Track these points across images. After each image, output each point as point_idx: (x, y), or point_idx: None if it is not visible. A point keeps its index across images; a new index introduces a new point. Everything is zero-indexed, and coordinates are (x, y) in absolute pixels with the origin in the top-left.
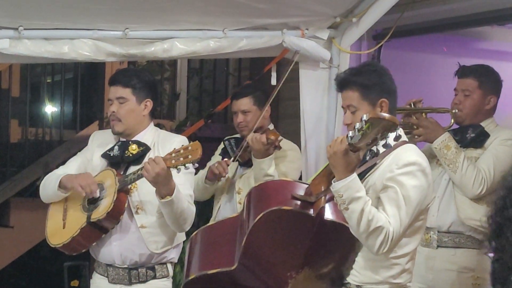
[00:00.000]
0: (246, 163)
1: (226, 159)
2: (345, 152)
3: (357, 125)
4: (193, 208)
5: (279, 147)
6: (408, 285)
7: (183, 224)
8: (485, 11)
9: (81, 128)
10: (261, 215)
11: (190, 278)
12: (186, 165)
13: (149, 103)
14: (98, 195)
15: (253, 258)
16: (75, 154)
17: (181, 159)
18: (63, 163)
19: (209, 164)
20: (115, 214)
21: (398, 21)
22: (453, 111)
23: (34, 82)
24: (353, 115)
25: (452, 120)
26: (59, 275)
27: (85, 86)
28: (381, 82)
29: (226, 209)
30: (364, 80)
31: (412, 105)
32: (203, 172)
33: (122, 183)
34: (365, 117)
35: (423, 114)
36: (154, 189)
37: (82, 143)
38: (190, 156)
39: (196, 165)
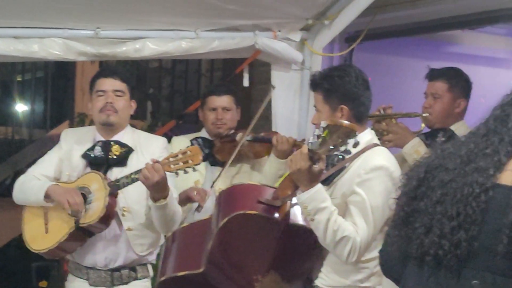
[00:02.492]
0: (218, 163)
1: (205, 190)
2: (309, 168)
3: (316, 132)
4: (181, 210)
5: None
6: (377, 287)
7: (171, 227)
8: (456, 15)
9: (51, 127)
10: (226, 219)
11: (161, 279)
12: (186, 169)
13: (134, 104)
14: (81, 216)
15: (219, 261)
16: (45, 153)
17: (181, 163)
18: (33, 162)
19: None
20: (107, 219)
21: (370, 24)
22: (423, 115)
23: (4, 80)
24: (318, 116)
25: (423, 124)
26: (27, 276)
27: (56, 85)
28: (345, 88)
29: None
30: (328, 84)
31: (382, 111)
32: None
33: (114, 187)
34: (323, 124)
35: (393, 119)
36: (140, 192)
37: (52, 142)
38: (190, 161)
39: (196, 169)
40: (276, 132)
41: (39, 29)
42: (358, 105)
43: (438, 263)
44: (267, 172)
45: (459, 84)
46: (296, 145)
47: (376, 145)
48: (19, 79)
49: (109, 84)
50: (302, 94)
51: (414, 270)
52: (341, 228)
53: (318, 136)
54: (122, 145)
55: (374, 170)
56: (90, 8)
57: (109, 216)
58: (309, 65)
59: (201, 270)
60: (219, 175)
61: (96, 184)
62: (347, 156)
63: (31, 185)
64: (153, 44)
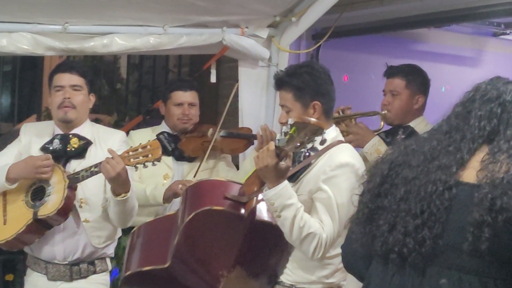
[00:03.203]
0: (185, 158)
1: (190, 180)
2: (276, 165)
3: (284, 129)
4: (136, 203)
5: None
6: (342, 283)
7: (129, 220)
8: (422, 13)
9: (18, 121)
10: (192, 214)
11: (126, 274)
12: (146, 163)
13: (93, 97)
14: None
15: (185, 256)
16: None
17: (141, 157)
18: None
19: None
20: (65, 211)
21: (337, 21)
22: (382, 112)
23: None
24: (287, 114)
25: (382, 122)
26: None
27: (24, 78)
28: (316, 84)
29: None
30: (298, 82)
31: (341, 112)
32: (151, 188)
33: (73, 180)
34: (290, 121)
35: (352, 120)
36: (98, 184)
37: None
38: (150, 155)
39: (156, 163)
40: (248, 128)
41: (8, 23)
42: (329, 100)
43: (403, 261)
44: (248, 168)
45: (417, 80)
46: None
47: (341, 142)
48: None
49: (67, 79)
50: (268, 90)
51: (378, 267)
52: (307, 225)
53: (286, 133)
54: (80, 138)
55: (340, 167)
56: (58, 3)
57: (67, 208)
58: (276, 62)
59: (166, 265)
60: (198, 168)
61: (56, 177)
62: (313, 153)
63: None
64: (121, 39)
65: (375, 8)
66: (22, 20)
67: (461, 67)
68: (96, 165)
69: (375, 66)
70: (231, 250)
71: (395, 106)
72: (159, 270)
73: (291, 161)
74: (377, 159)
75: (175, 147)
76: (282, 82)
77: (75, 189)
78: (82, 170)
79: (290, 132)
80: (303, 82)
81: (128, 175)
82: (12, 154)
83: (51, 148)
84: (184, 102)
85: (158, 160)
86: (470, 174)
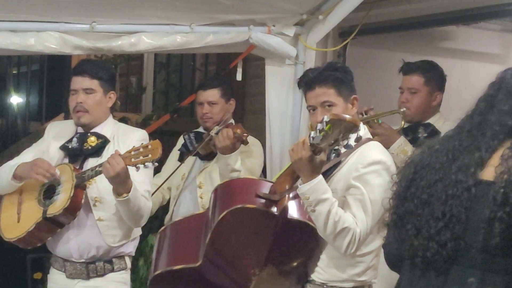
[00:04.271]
0: (206, 157)
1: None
2: (310, 158)
3: (319, 126)
4: (149, 204)
5: (246, 142)
6: (373, 281)
7: (139, 220)
8: (451, 10)
9: (46, 120)
10: (225, 212)
11: (156, 273)
12: (146, 163)
13: (113, 95)
14: (58, 175)
15: (217, 255)
16: None
17: (141, 157)
18: None
19: (171, 157)
20: (72, 210)
21: (365, 18)
22: (401, 110)
23: (0, 73)
24: (328, 110)
25: (403, 122)
26: (22, 268)
27: (51, 77)
28: (351, 78)
29: (186, 203)
30: (340, 75)
31: (364, 114)
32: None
33: (79, 179)
34: (326, 118)
35: (376, 120)
36: (108, 183)
37: None
38: (150, 155)
39: (156, 164)
40: (238, 125)
41: (36, 22)
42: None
43: (427, 264)
44: (220, 169)
45: (435, 77)
46: (236, 137)
47: (370, 139)
48: (14, 72)
49: (79, 82)
50: (295, 88)
51: (407, 270)
52: (341, 220)
53: (320, 130)
54: (99, 136)
55: (372, 165)
56: (86, 2)
57: (74, 207)
58: (303, 60)
59: (198, 264)
60: (201, 143)
61: (66, 175)
62: (345, 150)
63: (3, 170)
64: (148, 38)
65: (403, 5)
66: (50, 19)
67: (489, 64)
68: (100, 165)
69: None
70: (262, 249)
71: (414, 103)
72: (189, 269)
73: (325, 156)
74: (403, 162)
75: (197, 146)
76: (322, 77)
77: (84, 188)
78: (88, 169)
79: (325, 129)
80: (344, 76)
81: (129, 175)
82: (34, 152)
83: (70, 146)
84: (204, 101)
85: (158, 160)
86: (489, 172)
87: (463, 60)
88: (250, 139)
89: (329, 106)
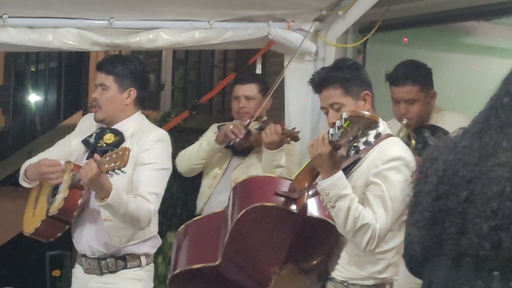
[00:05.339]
0: (242, 152)
1: (240, 122)
2: (330, 153)
3: (337, 123)
4: (148, 207)
5: (298, 138)
6: (395, 278)
7: (136, 224)
8: (471, 6)
9: (64, 118)
10: (244, 211)
11: (175, 272)
12: (116, 170)
13: (133, 92)
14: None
15: (236, 253)
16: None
17: (112, 164)
18: None
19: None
20: (67, 211)
21: (385, 14)
22: (404, 122)
23: (18, 70)
24: (338, 113)
25: (402, 133)
26: (41, 265)
27: (70, 75)
28: (360, 74)
29: (220, 199)
30: (345, 74)
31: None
32: (210, 135)
33: (73, 180)
34: (344, 115)
35: None
36: (120, 182)
37: (65, 132)
38: (118, 162)
39: (124, 171)
40: (281, 122)
41: (54, 19)
42: (372, 92)
43: (478, 264)
44: (263, 164)
45: (426, 78)
46: (284, 133)
47: (389, 135)
48: (32, 69)
49: (98, 78)
50: None
51: (442, 268)
52: (361, 216)
53: (339, 127)
54: (116, 133)
55: (392, 161)
56: None
57: (69, 208)
58: (323, 56)
59: (217, 262)
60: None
61: (66, 175)
62: (365, 147)
63: (21, 168)
64: (166, 34)
65: (423, 1)
66: (68, 16)
67: (510, 60)
68: None
69: (422, 59)
70: (282, 247)
71: (415, 112)
72: (209, 268)
73: (345, 151)
74: (424, 158)
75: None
76: (327, 79)
77: (81, 188)
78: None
79: (344, 126)
80: (350, 74)
81: (105, 181)
82: (62, 145)
83: (90, 141)
84: (241, 96)
85: (123, 166)
86: None
87: (484, 56)
88: None
89: (338, 107)
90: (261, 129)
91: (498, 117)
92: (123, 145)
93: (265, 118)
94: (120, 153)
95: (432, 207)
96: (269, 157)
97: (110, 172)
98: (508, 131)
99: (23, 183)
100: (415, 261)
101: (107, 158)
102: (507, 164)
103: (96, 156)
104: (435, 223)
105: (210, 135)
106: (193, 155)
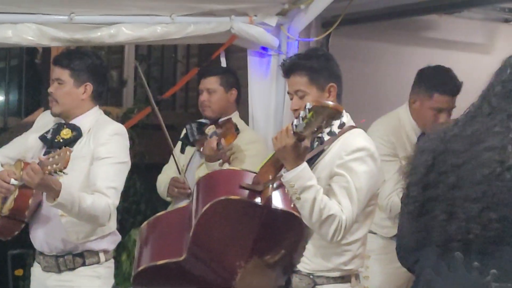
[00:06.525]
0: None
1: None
2: (295, 145)
3: (301, 113)
4: (106, 201)
5: (227, 161)
6: (360, 270)
7: (94, 220)
8: None
9: (26, 115)
10: (208, 205)
11: (139, 269)
12: (58, 172)
13: (89, 87)
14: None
15: (202, 248)
16: None
17: (54, 166)
18: None
19: (174, 152)
20: (19, 211)
21: (347, 8)
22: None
23: None
24: (301, 100)
25: None
26: (3, 264)
27: (31, 72)
28: (329, 66)
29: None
30: (313, 63)
31: None
32: (164, 181)
33: (22, 180)
34: (308, 105)
35: None
36: (76, 179)
37: (26, 130)
38: (60, 164)
39: (66, 173)
40: (230, 125)
41: (13, 14)
42: (341, 84)
43: (468, 247)
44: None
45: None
46: (220, 149)
47: (353, 127)
48: None
49: (53, 72)
50: (278, 79)
51: (432, 257)
52: (327, 207)
53: (303, 118)
54: (74, 129)
55: (356, 152)
56: None
57: (20, 208)
58: (285, 50)
59: (182, 257)
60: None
61: (17, 173)
62: (329, 138)
63: None
64: (128, 29)
65: None
66: (27, 11)
67: (473, 54)
68: None
69: (386, 54)
70: (247, 240)
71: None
72: (173, 263)
73: (309, 142)
74: (414, 149)
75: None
76: (295, 66)
77: (31, 188)
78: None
79: (308, 117)
80: (318, 64)
81: (52, 182)
82: (20, 141)
83: (47, 137)
84: (203, 89)
85: (64, 168)
86: None
87: (446, 50)
88: (250, 135)
89: (302, 95)
90: (212, 136)
91: (490, 104)
92: (80, 140)
93: (235, 114)
94: (61, 154)
95: (421, 197)
96: (208, 168)
97: (52, 173)
98: (501, 116)
99: None
100: (407, 254)
101: (50, 160)
102: (497, 147)
103: (40, 158)
104: (425, 213)
105: (165, 182)
106: (161, 192)
